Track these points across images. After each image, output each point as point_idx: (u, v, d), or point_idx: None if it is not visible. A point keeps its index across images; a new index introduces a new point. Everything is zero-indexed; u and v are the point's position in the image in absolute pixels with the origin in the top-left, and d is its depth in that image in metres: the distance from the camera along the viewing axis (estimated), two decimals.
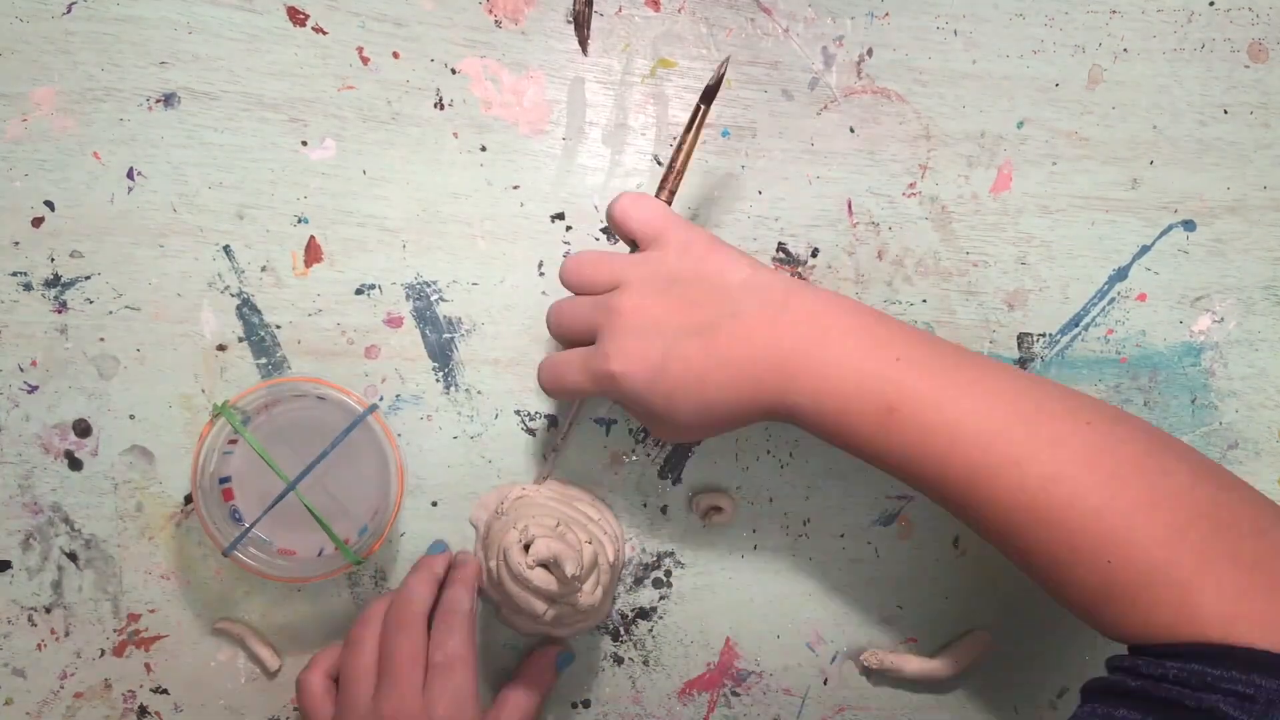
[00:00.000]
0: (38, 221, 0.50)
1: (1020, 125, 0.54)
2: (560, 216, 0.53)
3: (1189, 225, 0.55)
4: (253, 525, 0.46)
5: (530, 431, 0.53)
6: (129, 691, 0.52)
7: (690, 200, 0.53)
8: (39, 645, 0.51)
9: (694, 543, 0.54)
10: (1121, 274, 0.55)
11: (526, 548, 0.46)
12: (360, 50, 0.51)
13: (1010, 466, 0.39)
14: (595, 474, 0.54)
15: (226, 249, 0.51)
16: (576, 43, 0.53)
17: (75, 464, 0.51)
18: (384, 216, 0.52)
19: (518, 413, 0.53)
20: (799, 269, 0.54)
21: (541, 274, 0.53)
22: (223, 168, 0.51)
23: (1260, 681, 0.33)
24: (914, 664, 0.54)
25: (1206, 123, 0.55)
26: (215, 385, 0.51)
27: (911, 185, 0.54)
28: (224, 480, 0.48)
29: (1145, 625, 0.37)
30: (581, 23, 0.52)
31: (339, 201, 0.51)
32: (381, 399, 0.52)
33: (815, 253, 0.54)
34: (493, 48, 0.52)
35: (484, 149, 0.52)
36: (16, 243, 0.50)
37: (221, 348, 0.51)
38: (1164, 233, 0.55)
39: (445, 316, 0.52)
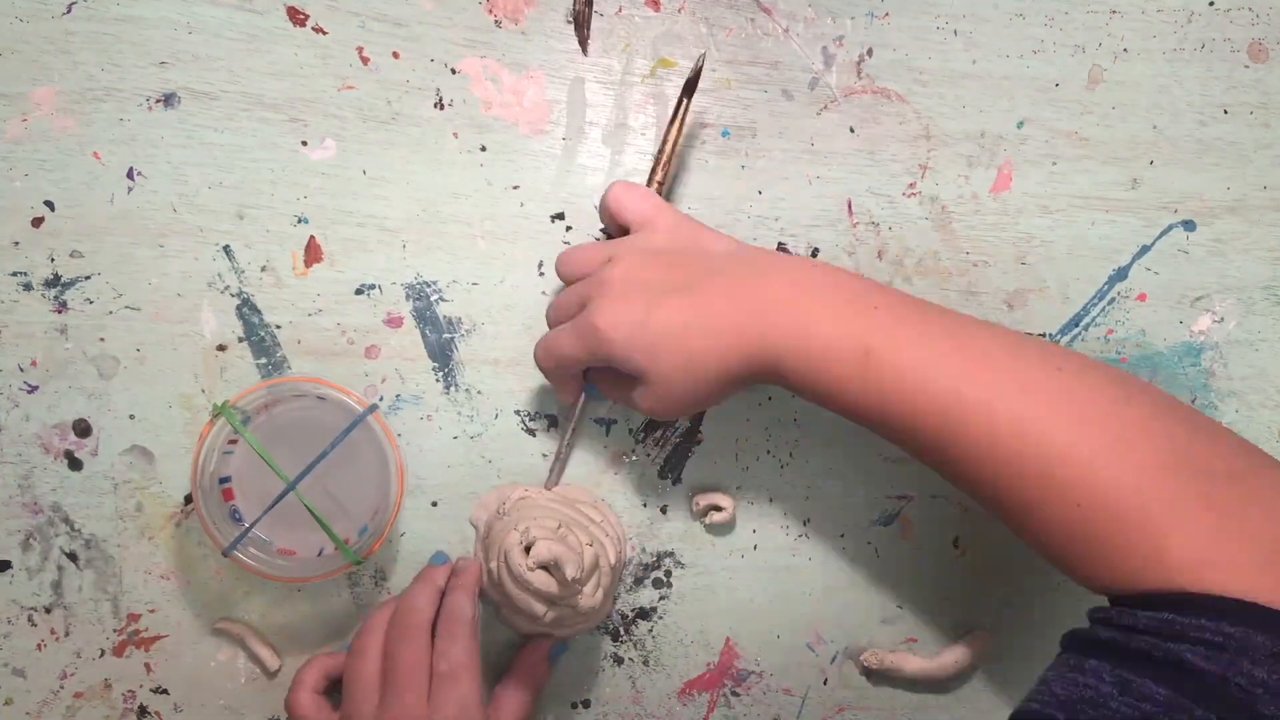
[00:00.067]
0: (38, 221, 0.50)
1: (1020, 125, 0.54)
2: (560, 216, 0.53)
3: (1189, 225, 0.55)
4: (253, 525, 0.46)
5: (530, 431, 0.53)
6: (129, 691, 0.52)
7: (691, 200, 0.53)
8: (39, 645, 0.51)
9: (694, 543, 0.54)
10: (1121, 274, 0.55)
11: (527, 549, 0.46)
12: (360, 50, 0.51)
13: (980, 408, 0.39)
14: (595, 474, 0.54)
15: (226, 249, 0.51)
16: (576, 43, 0.53)
17: (75, 464, 0.51)
18: (384, 216, 0.52)
19: (518, 413, 0.53)
20: None
21: (541, 274, 0.53)
22: (223, 168, 0.51)
23: (1229, 630, 0.33)
24: (914, 664, 0.54)
25: (1206, 123, 0.55)
26: (215, 385, 0.51)
27: (911, 185, 0.54)
28: (224, 480, 0.48)
29: (1116, 571, 0.37)
30: (581, 23, 0.52)
31: (339, 201, 0.51)
32: (381, 399, 0.52)
33: (815, 253, 0.54)
34: (493, 48, 0.52)
35: (484, 149, 0.52)
36: (16, 243, 0.50)
37: (221, 348, 0.51)
38: (1164, 233, 0.55)
39: (445, 316, 0.52)
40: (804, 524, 0.55)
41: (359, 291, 0.52)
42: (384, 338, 0.52)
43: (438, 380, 0.52)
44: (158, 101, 0.50)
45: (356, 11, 0.51)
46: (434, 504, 0.53)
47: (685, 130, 0.51)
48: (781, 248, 0.54)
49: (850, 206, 0.54)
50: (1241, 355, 0.56)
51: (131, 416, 0.51)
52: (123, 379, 0.51)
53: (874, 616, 0.55)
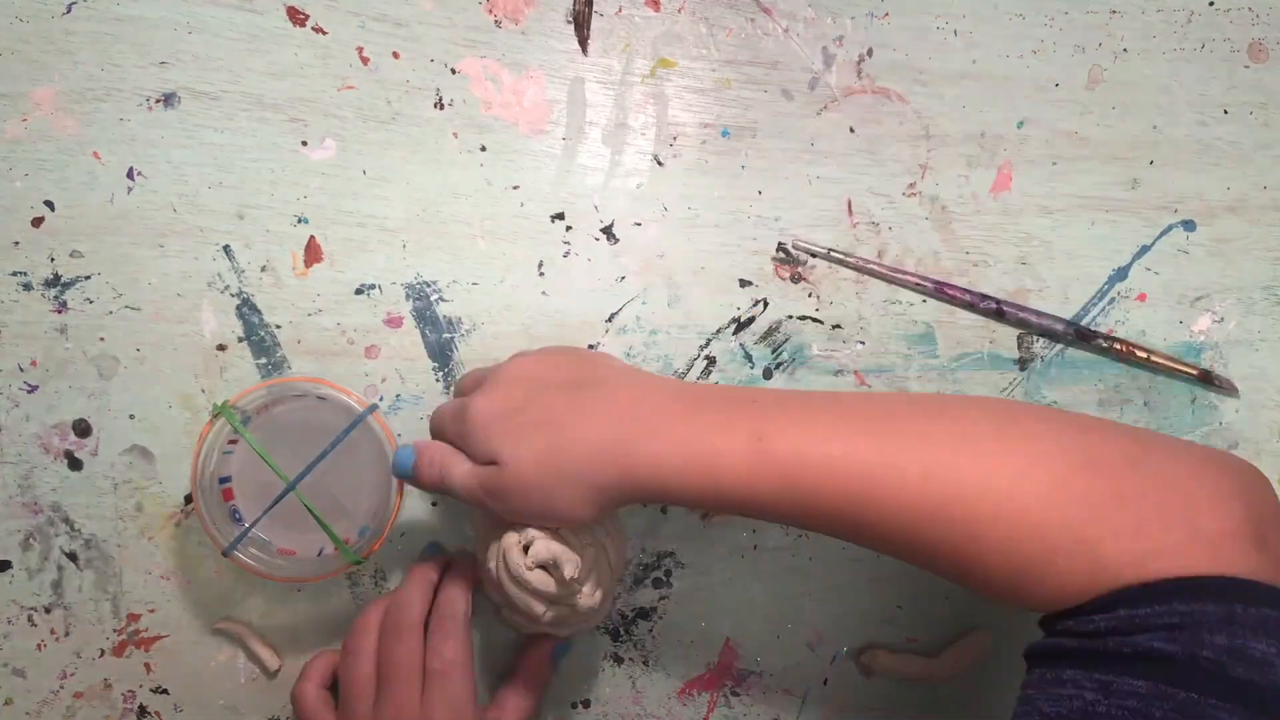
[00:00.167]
0: (38, 221, 0.50)
1: (1020, 125, 0.54)
2: (560, 216, 0.53)
3: (1189, 225, 0.55)
4: (253, 525, 0.46)
5: None
6: (129, 691, 0.52)
7: (691, 200, 0.53)
8: (39, 645, 0.51)
9: (694, 543, 0.54)
10: (1121, 274, 0.55)
11: (526, 549, 0.46)
12: (360, 50, 0.51)
13: (888, 468, 0.39)
14: None
15: (226, 249, 0.51)
16: (576, 43, 0.53)
17: (75, 464, 0.51)
18: (384, 216, 0.52)
19: None
20: (799, 269, 0.54)
21: (541, 274, 0.53)
22: (223, 168, 0.51)
23: (1181, 608, 0.34)
24: (914, 664, 0.54)
25: (1206, 123, 0.55)
26: (215, 385, 0.51)
27: (911, 185, 0.54)
28: (224, 480, 0.48)
29: (1065, 590, 0.37)
30: (581, 23, 0.52)
31: (339, 201, 0.51)
32: (381, 399, 0.52)
33: (815, 254, 0.54)
34: (493, 48, 0.52)
35: (484, 149, 0.52)
36: (16, 243, 0.50)
37: (221, 348, 0.51)
38: (1164, 233, 0.55)
39: (445, 316, 0.52)
40: None
41: (359, 291, 0.52)
42: (384, 338, 0.52)
43: (438, 380, 0.52)
44: (158, 101, 0.50)
45: (356, 11, 0.51)
46: (434, 504, 0.53)
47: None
48: (781, 248, 0.54)
49: (850, 206, 0.54)
50: (1241, 355, 0.56)
51: (131, 416, 0.51)
52: (123, 379, 0.51)
53: (874, 616, 0.55)
